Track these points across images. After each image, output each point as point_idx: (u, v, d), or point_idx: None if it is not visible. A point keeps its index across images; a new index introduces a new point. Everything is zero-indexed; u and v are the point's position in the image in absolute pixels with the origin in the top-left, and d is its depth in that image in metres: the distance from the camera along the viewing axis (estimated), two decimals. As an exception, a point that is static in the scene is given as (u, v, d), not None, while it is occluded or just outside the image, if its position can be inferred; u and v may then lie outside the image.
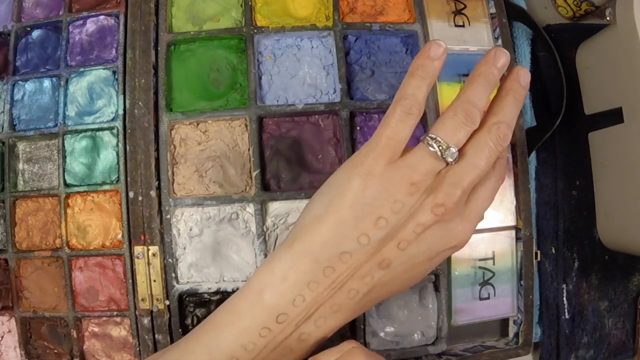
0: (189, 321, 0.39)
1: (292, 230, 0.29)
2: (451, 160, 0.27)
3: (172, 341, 0.38)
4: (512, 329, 0.42)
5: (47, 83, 0.41)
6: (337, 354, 0.27)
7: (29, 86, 0.41)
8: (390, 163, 0.27)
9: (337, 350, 0.27)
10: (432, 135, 0.27)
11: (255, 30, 0.40)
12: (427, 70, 0.28)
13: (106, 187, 0.39)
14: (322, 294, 0.27)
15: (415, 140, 0.29)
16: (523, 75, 0.30)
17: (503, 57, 0.29)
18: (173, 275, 0.38)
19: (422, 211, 0.27)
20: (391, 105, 0.28)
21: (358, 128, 0.40)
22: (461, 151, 0.28)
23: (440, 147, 0.27)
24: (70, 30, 0.41)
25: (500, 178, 0.30)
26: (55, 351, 0.40)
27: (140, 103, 0.38)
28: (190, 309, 0.39)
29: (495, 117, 0.28)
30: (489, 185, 0.30)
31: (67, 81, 0.40)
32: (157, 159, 0.38)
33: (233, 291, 0.38)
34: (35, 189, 0.40)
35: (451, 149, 0.27)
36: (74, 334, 0.39)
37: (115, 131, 0.39)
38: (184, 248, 0.38)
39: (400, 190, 0.27)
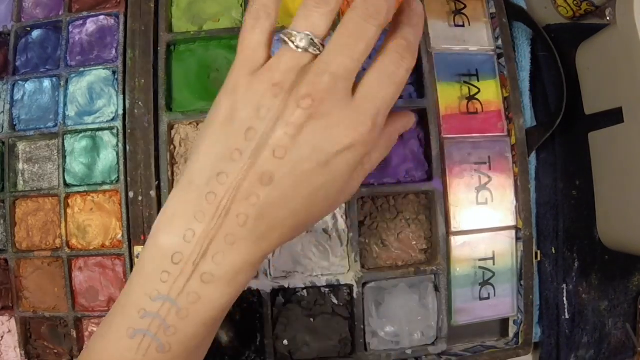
0: (189, 321, 0.39)
1: None
2: (305, 45, 0.25)
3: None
4: (512, 329, 0.42)
5: (47, 83, 0.41)
6: None
7: (29, 86, 0.41)
8: (252, 73, 0.26)
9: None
10: (286, 31, 0.26)
11: (255, 30, 0.39)
12: None
13: (106, 187, 0.39)
14: (211, 225, 0.25)
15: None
16: None
17: None
18: (173, 275, 0.38)
19: (289, 109, 0.25)
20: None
21: (358, 128, 0.40)
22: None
23: (291, 38, 0.25)
24: (70, 30, 0.41)
25: (401, 60, 0.26)
26: (55, 351, 0.40)
27: (140, 103, 0.38)
28: (190, 309, 0.39)
29: None
30: (382, 69, 0.26)
31: (67, 81, 0.40)
32: (157, 159, 0.38)
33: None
34: (35, 189, 0.40)
35: (300, 34, 0.25)
36: (74, 334, 0.39)
37: (115, 131, 0.39)
38: (184, 248, 0.38)
39: (264, 95, 0.25)
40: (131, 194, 0.38)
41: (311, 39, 0.25)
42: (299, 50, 0.25)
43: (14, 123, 0.41)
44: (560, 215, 0.44)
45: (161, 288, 0.25)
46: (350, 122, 0.25)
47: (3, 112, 0.41)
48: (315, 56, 0.26)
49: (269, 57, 0.27)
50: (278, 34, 0.27)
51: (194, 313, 0.26)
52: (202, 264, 0.25)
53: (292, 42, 0.25)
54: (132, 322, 0.26)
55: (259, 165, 0.25)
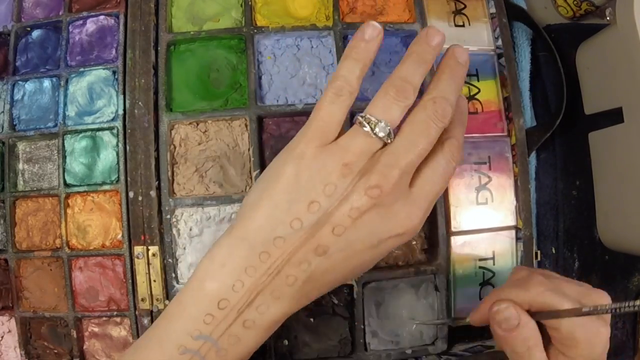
0: (189, 321, 0.39)
1: (235, 218, 0.29)
2: (383, 135, 0.27)
3: (172, 341, 0.38)
4: (512, 329, 0.42)
5: (47, 83, 0.41)
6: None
7: (29, 86, 0.41)
8: (323, 145, 0.27)
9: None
10: (363, 114, 0.27)
11: (255, 30, 0.40)
12: (361, 52, 0.28)
13: (106, 187, 0.39)
14: (260, 280, 0.27)
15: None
16: (459, 53, 0.29)
17: (437, 36, 0.28)
18: (173, 275, 0.38)
19: (356, 194, 0.26)
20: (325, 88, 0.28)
21: (358, 128, 0.40)
22: (398, 131, 0.27)
23: (371, 124, 0.27)
24: (70, 30, 0.41)
25: (453, 159, 0.29)
26: (55, 351, 0.40)
27: (140, 103, 0.38)
28: (190, 309, 0.39)
29: (430, 93, 0.28)
30: (437, 167, 0.28)
31: (67, 81, 0.40)
32: (157, 159, 0.38)
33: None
34: (35, 189, 0.40)
35: (381, 123, 0.26)
36: (74, 334, 0.39)
37: (115, 131, 0.39)
38: (184, 248, 0.38)
39: (333, 172, 0.26)
40: (131, 194, 0.38)
41: (390, 131, 0.27)
42: (375, 137, 0.27)
43: (14, 123, 0.41)
44: (560, 215, 0.44)
45: (204, 329, 0.27)
46: (406, 214, 0.27)
47: (3, 112, 0.41)
48: (385, 143, 0.27)
49: (340, 133, 0.28)
50: (356, 114, 0.27)
51: (233, 352, 0.27)
52: (246, 311, 0.27)
53: (371, 129, 0.27)
54: (170, 357, 0.27)
55: (317, 238, 0.27)
